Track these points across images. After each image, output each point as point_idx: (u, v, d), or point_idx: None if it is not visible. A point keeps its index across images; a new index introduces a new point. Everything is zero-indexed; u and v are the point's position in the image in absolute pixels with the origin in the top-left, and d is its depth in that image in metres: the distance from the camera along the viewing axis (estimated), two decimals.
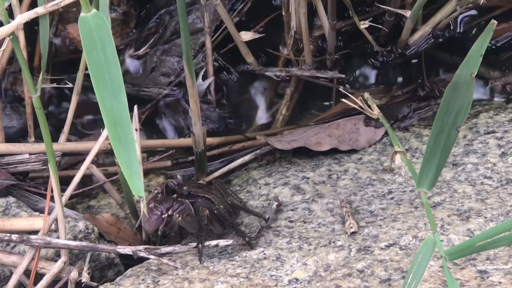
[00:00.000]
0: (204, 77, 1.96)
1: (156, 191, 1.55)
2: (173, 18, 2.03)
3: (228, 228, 1.56)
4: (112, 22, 2.02)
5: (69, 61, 1.99)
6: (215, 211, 1.53)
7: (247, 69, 1.99)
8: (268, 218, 1.56)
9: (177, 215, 1.50)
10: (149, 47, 2.02)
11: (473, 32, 1.97)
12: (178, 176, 1.66)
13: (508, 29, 1.94)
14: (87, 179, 1.79)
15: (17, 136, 1.92)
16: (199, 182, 1.68)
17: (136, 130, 1.55)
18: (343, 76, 1.94)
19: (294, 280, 1.40)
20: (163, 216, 1.50)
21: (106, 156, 1.88)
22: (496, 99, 1.89)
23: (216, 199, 1.55)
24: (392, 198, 1.59)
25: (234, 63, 1.99)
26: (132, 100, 1.53)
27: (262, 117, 1.96)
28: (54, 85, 1.87)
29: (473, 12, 1.98)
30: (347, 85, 1.95)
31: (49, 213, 1.51)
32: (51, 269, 1.49)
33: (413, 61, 1.95)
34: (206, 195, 1.55)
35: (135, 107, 1.58)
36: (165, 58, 2.00)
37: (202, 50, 1.97)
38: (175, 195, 1.53)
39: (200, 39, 1.98)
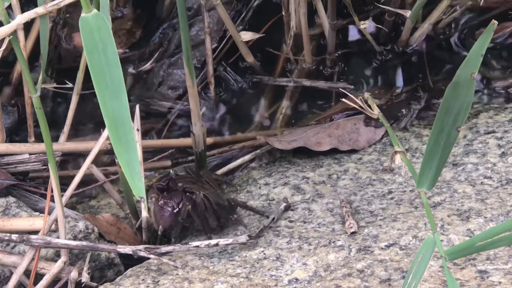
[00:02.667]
0: (204, 77, 1.97)
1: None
2: (176, 31, 2.01)
3: (224, 221, 1.56)
4: (118, 31, 2.01)
5: (74, 68, 1.98)
6: (212, 206, 1.54)
7: (256, 80, 1.98)
8: (274, 218, 1.56)
9: (187, 203, 1.52)
10: (155, 62, 2.01)
11: (473, 32, 1.97)
12: (171, 171, 1.66)
13: (500, 29, 1.95)
14: (88, 178, 1.79)
15: (5, 135, 1.90)
16: (192, 177, 1.68)
17: (138, 130, 1.55)
18: (352, 87, 1.93)
19: (294, 280, 1.40)
20: (175, 211, 1.52)
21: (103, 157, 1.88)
22: (495, 99, 1.89)
23: (211, 194, 1.56)
24: (392, 198, 1.59)
25: (241, 73, 1.99)
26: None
27: (262, 116, 1.96)
28: (54, 84, 1.86)
29: (472, 12, 1.98)
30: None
31: (49, 213, 1.51)
32: (51, 269, 1.49)
33: (414, 60, 1.95)
34: (200, 191, 1.56)
35: (137, 106, 1.58)
36: (172, 71, 1.98)
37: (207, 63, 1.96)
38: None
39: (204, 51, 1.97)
